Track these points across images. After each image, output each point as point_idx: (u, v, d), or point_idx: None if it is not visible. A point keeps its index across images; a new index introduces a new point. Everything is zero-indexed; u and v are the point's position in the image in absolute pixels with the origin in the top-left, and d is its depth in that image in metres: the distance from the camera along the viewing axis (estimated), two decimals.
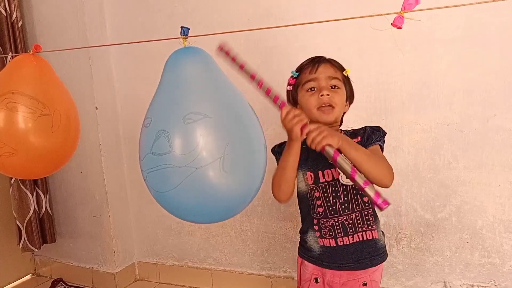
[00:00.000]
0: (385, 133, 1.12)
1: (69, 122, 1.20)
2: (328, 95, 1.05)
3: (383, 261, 1.11)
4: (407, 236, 1.67)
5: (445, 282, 1.64)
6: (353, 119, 1.64)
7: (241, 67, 0.98)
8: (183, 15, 1.90)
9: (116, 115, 2.13)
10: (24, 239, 2.06)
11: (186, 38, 1.04)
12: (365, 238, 1.08)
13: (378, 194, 0.88)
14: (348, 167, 0.90)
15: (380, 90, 1.62)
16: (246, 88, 1.97)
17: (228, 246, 2.02)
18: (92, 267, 2.18)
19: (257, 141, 0.88)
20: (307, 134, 0.92)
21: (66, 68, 1.98)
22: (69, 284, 2.21)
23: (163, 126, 0.80)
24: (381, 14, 0.66)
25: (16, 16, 1.97)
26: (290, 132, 0.96)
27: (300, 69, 1.12)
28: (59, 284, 2.21)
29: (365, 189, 0.89)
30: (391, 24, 0.66)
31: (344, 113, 1.17)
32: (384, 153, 1.62)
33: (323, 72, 1.07)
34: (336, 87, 1.07)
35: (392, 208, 1.67)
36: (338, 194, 1.07)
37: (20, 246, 2.08)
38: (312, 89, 1.08)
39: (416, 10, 0.65)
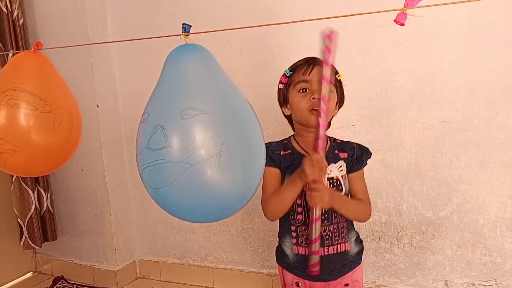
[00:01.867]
0: (371, 154, 1.17)
1: (71, 119, 1.20)
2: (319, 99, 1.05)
3: (353, 269, 1.15)
4: (408, 235, 1.67)
5: (446, 280, 1.64)
6: (355, 118, 1.64)
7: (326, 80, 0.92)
8: (184, 12, 1.90)
9: (117, 113, 2.13)
10: (25, 236, 2.06)
11: (187, 35, 1.04)
12: (338, 251, 1.12)
13: (318, 263, 1.03)
14: (314, 234, 1.01)
15: (381, 88, 1.61)
16: (247, 88, 1.97)
17: (229, 244, 2.02)
18: (93, 265, 2.18)
19: (256, 139, 0.88)
20: (311, 188, 0.98)
21: (67, 66, 1.98)
22: (70, 281, 2.21)
23: (160, 121, 0.80)
24: (384, 11, 0.66)
25: (18, 13, 1.97)
26: (305, 176, 0.98)
27: (294, 68, 1.11)
28: (60, 282, 2.21)
29: (313, 256, 1.03)
30: (394, 20, 0.66)
31: (332, 116, 1.16)
32: (384, 152, 1.63)
33: (317, 74, 1.05)
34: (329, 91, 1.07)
35: (393, 207, 1.67)
36: None
37: (21, 244, 2.08)
38: (304, 90, 1.07)
39: (418, 7, 0.64)
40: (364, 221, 1.16)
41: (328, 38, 0.89)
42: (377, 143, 1.64)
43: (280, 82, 1.14)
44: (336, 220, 1.11)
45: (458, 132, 1.54)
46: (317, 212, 1.00)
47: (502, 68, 1.46)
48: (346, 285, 1.13)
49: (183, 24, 0.94)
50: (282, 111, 1.18)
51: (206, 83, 0.84)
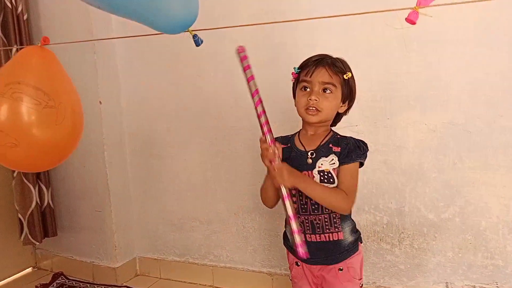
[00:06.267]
0: (366, 151, 1.17)
1: (73, 116, 1.19)
2: (316, 100, 1.11)
3: (348, 257, 1.18)
4: (409, 236, 1.67)
5: (447, 282, 1.64)
6: (358, 118, 1.64)
7: (248, 80, 1.07)
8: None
9: (120, 110, 2.13)
10: (26, 232, 2.06)
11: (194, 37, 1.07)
12: (331, 239, 1.16)
13: (303, 243, 1.03)
14: (289, 211, 1.04)
15: (385, 89, 1.61)
16: (258, 83, 1.94)
17: (229, 243, 2.02)
18: (93, 262, 2.18)
19: None
20: (269, 168, 1.08)
21: (71, 62, 1.95)
22: (69, 278, 2.21)
23: None
24: (396, 9, 0.65)
25: (22, 9, 1.97)
26: (262, 160, 1.10)
27: (302, 67, 1.17)
28: (60, 278, 2.20)
29: (295, 234, 1.03)
30: (406, 19, 0.66)
31: (340, 113, 1.20)
32: (387, 153, 1.63)
33: (317, 77, 1.12)
34: (328, 91, 1.12)
35: (395, 208, 1.66)
36: None
37: (22, 239, 2.07)
38: (305, 88, 1.14)
39: (432, 6, 0.64)
40: (338, 211, 1.14)
41: (239, 51, 1.07)
42: (380, 144, 1.64)
43: (292, 77, 1.21)
44: (327, 210, 1.15)
45: (461, 134, 1.53)
46: (284, 191, 1.05)
47: (506, 70, 1.46)
48: (340, 269, 1.18)
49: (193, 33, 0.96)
50: None
51: None
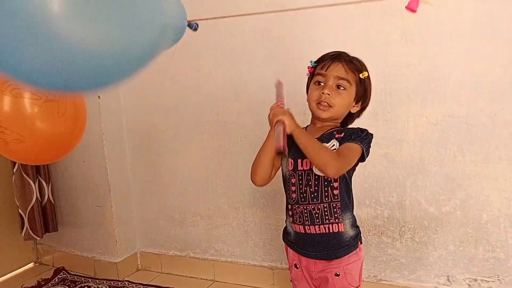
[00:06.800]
0: (367, 137, 1.13)
1: (75, 107, 1.20)
2: (328, 94, 1.10)
3: (349, 253, 1.14)
4: (410, 230, 1.66)
5: (448, 276, 1.64)
6: None
7: (278, 99, 1.15)
8: (187, 4, 1.87)
9: (119, 105, 2.12)
10: (27, 227, 2.06)
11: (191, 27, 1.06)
12: (331, 230, 1.13)
13: (280, 146, 0.97)
14: (278, 139, 0.99)
15: (386, 82, 1.60)
16: (250, 81, 1.95)
17: (230, 237, 2.02)
18: (94, 256, 2.19)
19: None
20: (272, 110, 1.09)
21: None
22: (71, 273, 2.22)
23: None
24: None
25: None
26: (269, 120, 1.10)
27: (318, 61, 1.17)
28: (61, 273, 2.21)
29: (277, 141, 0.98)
30: (406, 7, 0.65)
31: (352, 113, 1.19)
32: (388, 146, 1.62)
33: (333, 71, 1.11)
34: (342, 88, 1.11)
35: (396, 201, 1.66)
36: (310, 183, 1.13)
37: (23, 235, 2.08)
38: (319, 83, 1.13)
39: None
40: (324, 169, 1.04)
41: (278, 84, 1.18)
42: (380, 137, 1.64)
43: (308, 70, 1.20)
44: (327, 199, 1.12)
45: (462, 127, 1.53)
46: (280, 129, 1.02)
47: (507, 63, 1.45)
48: (337, 275, 1.14)
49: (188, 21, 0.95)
50: None
51: None
